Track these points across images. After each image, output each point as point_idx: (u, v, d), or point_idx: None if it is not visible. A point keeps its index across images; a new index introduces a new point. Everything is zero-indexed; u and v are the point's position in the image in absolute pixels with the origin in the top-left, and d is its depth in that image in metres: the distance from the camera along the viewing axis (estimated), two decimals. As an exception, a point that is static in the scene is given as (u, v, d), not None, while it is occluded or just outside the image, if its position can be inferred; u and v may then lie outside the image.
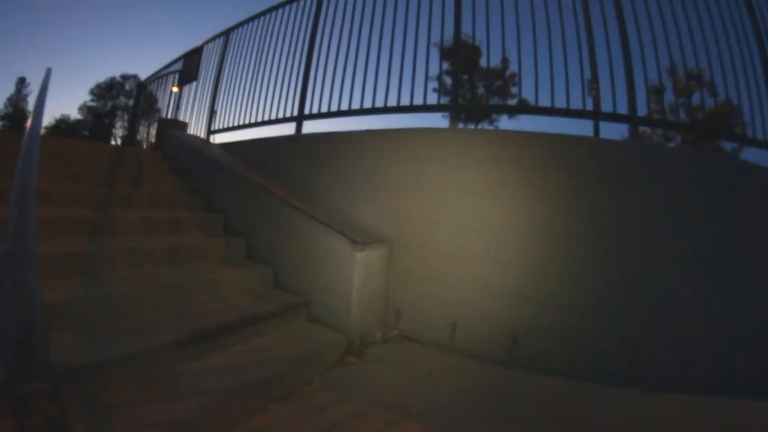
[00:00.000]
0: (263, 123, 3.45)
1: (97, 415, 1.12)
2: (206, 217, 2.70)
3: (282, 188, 2.66)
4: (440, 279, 2.19)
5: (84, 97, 37.89)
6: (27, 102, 30.18)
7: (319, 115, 3.02)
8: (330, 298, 2.09)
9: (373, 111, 2.75)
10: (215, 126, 4.09)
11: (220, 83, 4.05)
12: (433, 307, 2.19)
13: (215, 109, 4.15)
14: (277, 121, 3.33)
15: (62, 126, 29.06)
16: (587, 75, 2.38)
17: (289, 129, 3.24)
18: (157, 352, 1.39)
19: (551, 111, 2.33)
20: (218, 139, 4.14)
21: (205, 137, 4.18)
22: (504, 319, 2.02)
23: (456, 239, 2.17)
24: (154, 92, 5.33)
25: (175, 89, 4.81)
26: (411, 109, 2.61)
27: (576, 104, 2.31)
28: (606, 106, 2.32)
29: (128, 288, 1.65)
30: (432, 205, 2.26)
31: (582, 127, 2.47)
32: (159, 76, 5.08)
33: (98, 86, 32.83)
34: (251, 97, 3.58)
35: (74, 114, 31.51)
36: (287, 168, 2.97)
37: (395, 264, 2.31)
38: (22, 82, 31.13)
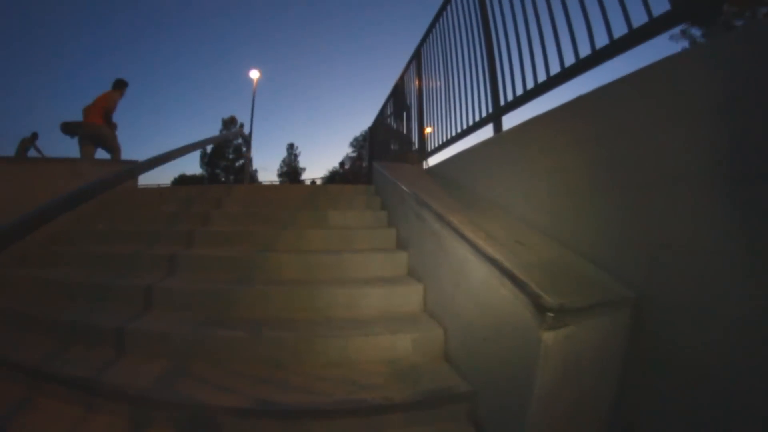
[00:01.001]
0: (460, 136, 2.90)
1: None
2: (386, 258, 2.31)
3: (464, 212, 1.89)
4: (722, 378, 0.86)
5: (346, 149, 49.44)
6: (298, 161, 42.57)
7: (517, 102, 2.13)
8: (500, 395, 1.21)
9: (585, 65, 1.62)
10: (427, 150, 3.93)
11: (423, 106, 3.88)
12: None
13: (424, 131, 4.01)
14: (473, 128, 2.69)
15: (336, 176, 35.61)
16: None
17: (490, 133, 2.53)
18: (209, 410, 1.24)
19: None
20: (431, 163, 3.96)
21: (420, 164, 4.09)
22: None
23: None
24: (386, 131, 5.93)
25: (428, 130, 4.81)
26: (629, 42, 1.36)
27: None
28: None
29: (238, 333, 1.57)
30: (707, 217, 0.96)
31: None
32: (384, 117, 5.60)
33: (356, 139, 40.51)
34: (447, 111, 3.14)
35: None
36: (482, 182, 2.26)
37: (641, 340, 1.12)
38: (291, 147, 43.27)
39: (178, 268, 2.17)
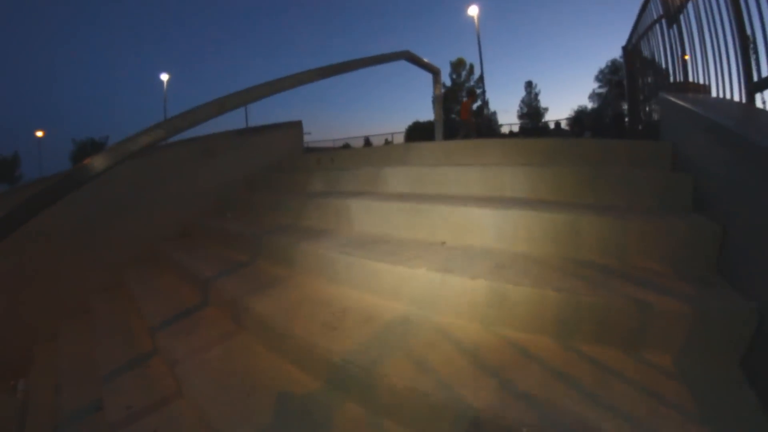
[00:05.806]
0: None
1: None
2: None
3: None
4: None
5: (592, 85, 39.02)
6: (538, 100, 36.23)
7: None
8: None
9: None
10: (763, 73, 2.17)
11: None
12: None
13: (756, 42, 2.22)
14: None
15: (582, 117, 25.96)
16: None
17: None
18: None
19: None
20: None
21: (746, 99, 2.35)
22: None
23: None
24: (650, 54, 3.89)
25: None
26: None
27: None
28: None
29: None
30: None
31: None
32: (645, 31, 3.62)
33: (601, 71, 31.88)
34: None
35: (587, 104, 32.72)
36: None
37: None
38: (530, 85, 36.18)
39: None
